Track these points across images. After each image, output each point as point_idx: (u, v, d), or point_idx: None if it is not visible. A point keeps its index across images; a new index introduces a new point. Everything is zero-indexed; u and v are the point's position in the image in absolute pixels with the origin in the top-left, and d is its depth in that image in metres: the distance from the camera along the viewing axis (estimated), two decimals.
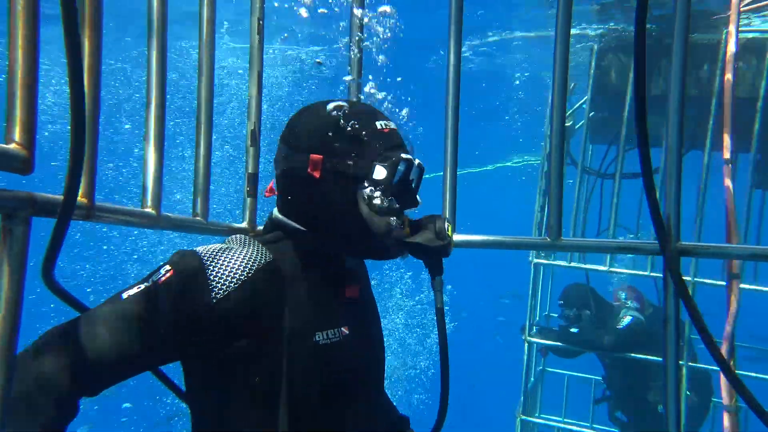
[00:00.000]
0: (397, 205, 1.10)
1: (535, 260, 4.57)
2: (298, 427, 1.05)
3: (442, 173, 1.55)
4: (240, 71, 9.06)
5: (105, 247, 11.75)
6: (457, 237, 1.47)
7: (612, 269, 4.07)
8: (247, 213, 1.42)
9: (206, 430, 1.10)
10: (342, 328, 1.12)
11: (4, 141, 0.89)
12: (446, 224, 1.14)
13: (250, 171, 1.37)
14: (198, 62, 1.31)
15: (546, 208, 4.74)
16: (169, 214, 1.21)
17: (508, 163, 15.42)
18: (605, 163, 4.95)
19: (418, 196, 1.18)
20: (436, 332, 1.19)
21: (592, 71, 4.42)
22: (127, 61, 8.77)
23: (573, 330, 4.29)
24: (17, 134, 0.90)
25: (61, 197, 0.93)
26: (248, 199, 1.40)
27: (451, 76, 1.45)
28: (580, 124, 4.26)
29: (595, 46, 4.54)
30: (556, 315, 4.98)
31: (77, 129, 0.82)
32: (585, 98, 4.41)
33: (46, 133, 10.21)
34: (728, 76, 2.37)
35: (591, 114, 4.60)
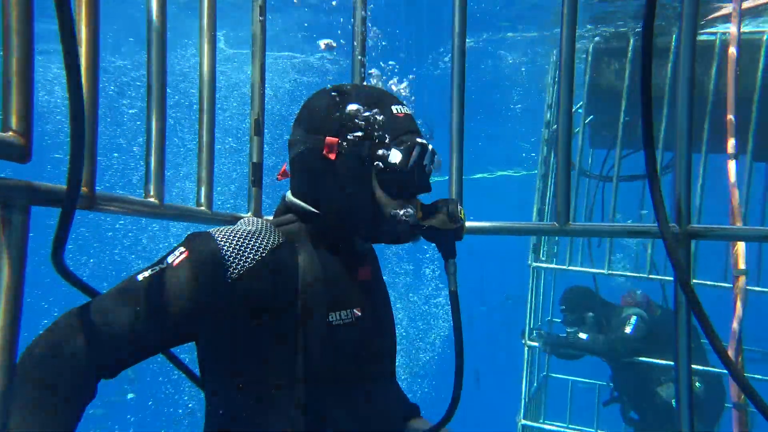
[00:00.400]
0: (411, 189, 1.12)
1: (534, 264, 4.54)
2: (313, 408, 1.05)
3: (445, 177, 1.53)
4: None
5: (110, 234, 11.77)
6: (466, 224, 1.45)
7: (611, 272, 4.04)
8: (252, 202, 1.40)
9: (220, 414, 1.09)
10: (355, 310, 1.12)
11: (1, 130, 0.87)
12: (458, 207, 1.15)
13: (254, 160, 1.35)
14: (199, 50, 1.30)
15: (547, 207, 4.74)
16: (173, 204, 1.19)
17: (500, 173, 15.46)
18: (606, 167, 4.97)
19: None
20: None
21: (587, 73, 4.42)
22: (126, 58, 8.75)
23: (582, 336, 4.23)
24: (14, 122, 0.88)
25: (60, 186, 0.91)
26: (253, 189, 1.37)
27: (456, 63, 1.43)
28: (577, 130, 4.25)
29: (590, 47, 4.54)
30: (558, 320, 4.95)
31: (75, 113, 0.80)
32: (581, 103, 4.41)
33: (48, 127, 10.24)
34: (731, 75, 2.38)
35: (590, 118, 4.59)
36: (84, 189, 0.98)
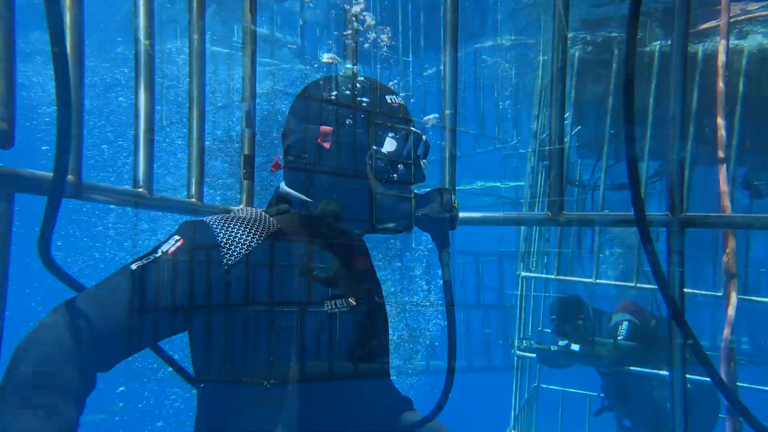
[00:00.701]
0: (406, 178, 1.12)
1: (523, 273, 4.53)
2: (308, 397, 1.03)
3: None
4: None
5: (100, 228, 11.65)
6: (459, 214, 1.43)
7: (599, 281, 4.03)
8: (244, 195, 1.37)
9: (212, 412, 1.07)
10: (349, 299, 1.11)
11: None
12: (452, 196, 1.14)
13: (245, 153, 1.33)
14: (189, 43, 1.29)
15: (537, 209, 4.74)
16: (163, 195, 1.16)
17: (486, 184, 15.45)
18: (594, 176, 5.00)
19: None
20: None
21: (573, 86, 4.44)
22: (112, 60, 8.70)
23: (574, 348, 4.20)
24: None
25: (45, 174, 0.89)
26: (245, 182, 1.36)
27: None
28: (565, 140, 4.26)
29: (577, 54, 4.59)
30: (549, 330, 4.92)
31: (62, 99, 0.78)
32: (567, 114, 4.43)
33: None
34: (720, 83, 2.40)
35: (577, 128, 4.63)
36: (70, 177, 0.95)
